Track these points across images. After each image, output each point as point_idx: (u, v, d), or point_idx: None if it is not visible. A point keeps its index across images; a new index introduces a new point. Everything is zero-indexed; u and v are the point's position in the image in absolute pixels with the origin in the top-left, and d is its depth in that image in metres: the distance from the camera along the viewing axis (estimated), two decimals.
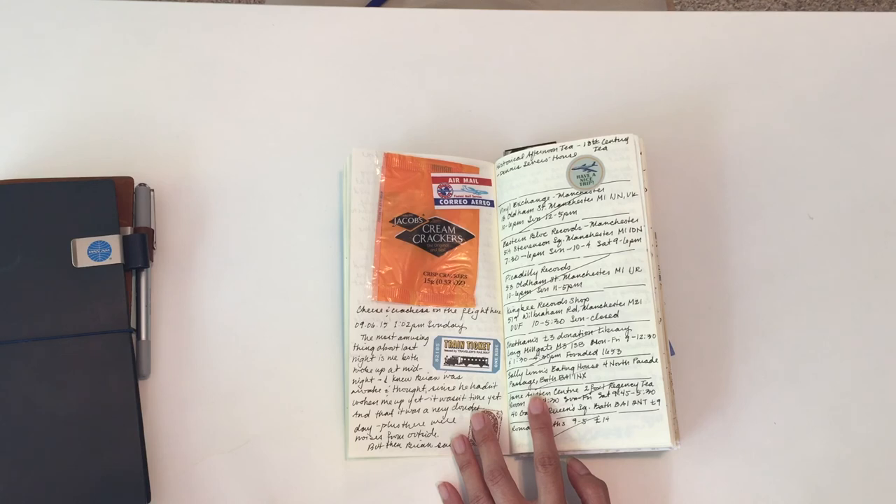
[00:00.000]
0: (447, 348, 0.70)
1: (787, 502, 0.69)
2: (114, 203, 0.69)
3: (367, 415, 0.67)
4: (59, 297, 0.66)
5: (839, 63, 0.82)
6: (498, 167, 0.74)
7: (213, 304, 0.71)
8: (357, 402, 0.67)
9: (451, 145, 0.76)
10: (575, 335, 0.67)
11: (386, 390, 0.68)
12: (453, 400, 0.69)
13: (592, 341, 0.67)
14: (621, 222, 0.68)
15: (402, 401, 0.68)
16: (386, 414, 0.68)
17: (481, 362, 0.70)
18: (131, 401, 0.65)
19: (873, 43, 0.82)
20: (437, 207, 0.72)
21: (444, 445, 0.68)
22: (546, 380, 0.68)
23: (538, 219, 0.70)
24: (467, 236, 0.72)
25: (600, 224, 0.69)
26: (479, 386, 0.70)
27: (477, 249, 0.72)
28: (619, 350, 0.66)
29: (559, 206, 0.70)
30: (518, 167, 0.72)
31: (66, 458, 0.63)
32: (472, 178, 0.73)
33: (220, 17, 0.79)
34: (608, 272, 0.68)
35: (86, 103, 0.75)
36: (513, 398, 0.69)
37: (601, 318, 0.67)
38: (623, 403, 0.65)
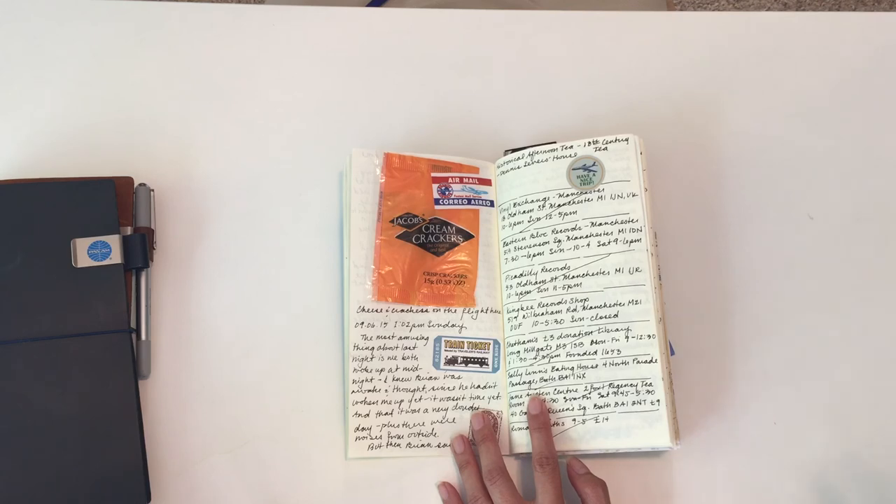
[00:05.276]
0: (447, 348, 0.70)
1: (788, 502, 0.69)
2: (114, 203, 0.69)
3: (367, 415, 0.67)
4: (59, 297, 0.66)
5: (839, 63, 0.82)
6: (498, 167, 0.74)
7: (213, 304, 0.71)
8: (357, 402, 0.67)
9: (451, 145, 0.76)
10: (575, 335, 0.67)
11: (386, 390, 0.68)
12: (453, 400, 0.69)
13: (592, 341, 0.67)
14: (621, 222, 0.68)
15: (402, 401, 0.68)
16: (386, 414, 0.68)
17: (481, 362, 0.70)
18: (131, 401, 0.65)
19: (873, 43, 0.82)
20: (437, 207, 0.72)
21: (444, 445, 0.68)
22: (546, 380, 0.68)
23: (538, 219, 0.70)
24: (467, 236, 0.72)
25: (600, 224, 0.69)
26: (478, 386, 0.70)
27: (477, 249, 0.72)
28: (618, 350, 0.66)
29: (559, 206, 0.70)
30: (518, 167, 0.72)
31: (66, 458, 0.63)
32: (472, 178, 0.73)
33: (220, 17, 0.79)
34: (608, 272, 0.68)
35: (86, 103, 0.75)
36: (512, 398, 0.69)
37: (601, 318, 0.67)
38: (623, 404, 0.65)
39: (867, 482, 0.70)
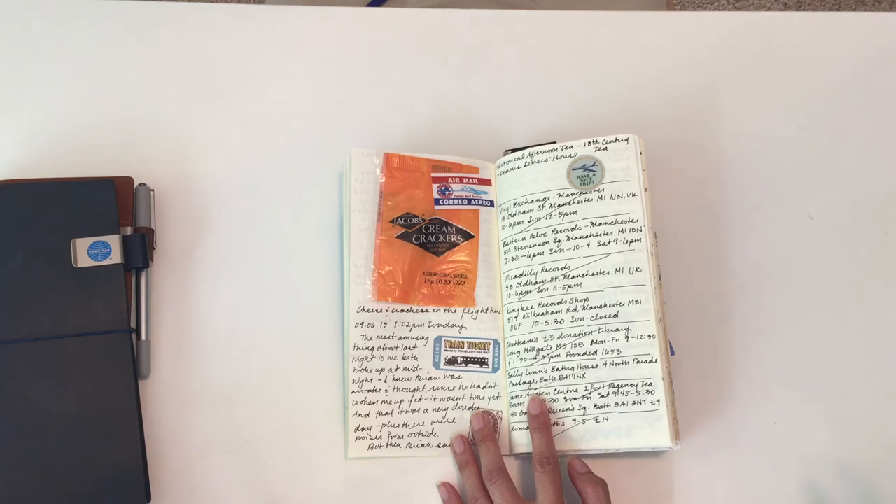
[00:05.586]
0: (447, 348, 0.70)
1: (787, 502, 0.69)
2: (114, 203, 0.69)
3: (367, 415, 0.67)
4: (59, 297, 0.66)
5: (839, 63, 0.82)
6: (498, 167, 0.74)
7: (213, 304, 0.71)
8: (357, 402, 0.67)
9: (451, 145, 0.76)
10: (575, 335, 0.67)
11: (386, 390, 0.68)
12: (453, 400, 0.69)
13: (592, 341, 0.67)
14: (621, 222, 0.68)
15: (402, 401, 0.68)
16: (386, 414, 0.68)
17: (481, 362, 0.70)
18: (131, 401, 0.65)
19: (873, 43, 0.82)
20: (437, 207, 0.72)
21: (444, 445, 0.68)
22: (546, 380, 0.68)
23: (538, 219, 0.70)
24: (467, 236, 0.72)
25: (600, 224, 0.69)
26: (478, 386, 0.70)
27: (477, 249, 0.72)
28: (618, 350, 0.66)
29: (559, 206, 0.70)
30: (518, 167, 0.72)
31: (66, 458, 0.63)
32: (472, 178, 0.73)
33: (220, 17, 0.79)
34: (608, 272, 0.68)
35: (86, 103, 0.75)
36: (512, 398, 0.69)
37: (601, 318, 0.67)
38: (623, 404, 0.65)
39: (867, 482, 0.70)
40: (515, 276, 0.70)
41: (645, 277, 0.67)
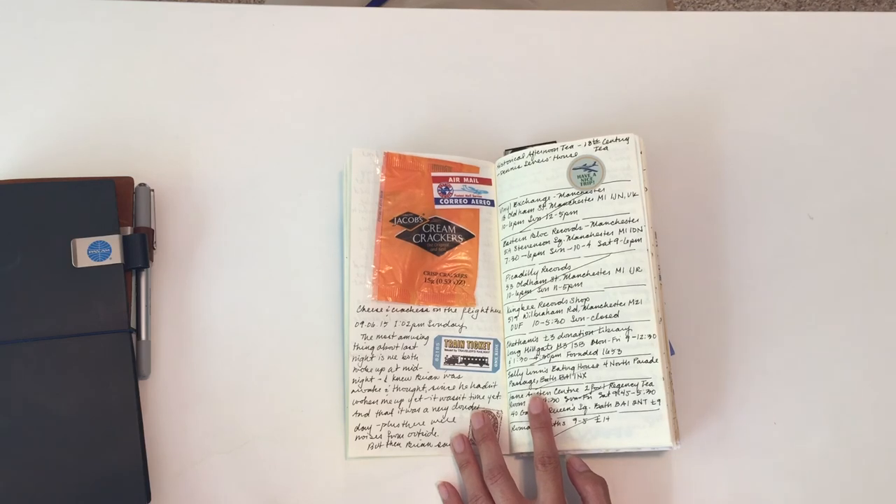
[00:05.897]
0: (447, 348, 0.70)
1: (787, 502, 0.69)
2: (114, 203, 0.69)
3: (367, 414, 0.67)
4: (59, 297, 0.66)
5: (839, 63, 0.82)
6: (498, 167, 0.74)
7: (213, 304, 0.71)
8: (357, 402, 0.67)
9: (451, 145, 0.76)
10: (575, 335, 0.67)
11: (386, 390, 0.68)
12: (453, 399, 0.69)
13: (593, 341, 0.67)
14: (622, 222, 0.68)
15: (402, 400, 0.68)
16: (386, 413, 0.68)
17: (481, 362, 0.70)
18: (131, 401, 0.65)
19: (873, 43, 0.82)
20: (437, 207, 0.72)
21: (444, 445, 0.68)
22: (546, 379, 0.68)
23: (539, 218, 0.70)
24: (467, 236, 0.72)
25: (601, 224, 0.69)
26: (479, 385, 0.70)
27: (477, 249, 0.72)
28: (619, 350, 0.66)
29: (560, 205, 0.70)
30: (518, 167, 0.72)
31: (66, 458, 0.63)
32: (473, 178, 0.73)
33: (220, 17, 0.79)
34: (608, 272, 0.68)
35: (86, 103, 0.75)
36: (513, 398, 0.69)
37: (601, 318, 0.67)
38: (623, 403, 0.65)
39: (867, 482, 0.70)
40: (516, 276, 0.70)
41: (645, 277, 0.67)
